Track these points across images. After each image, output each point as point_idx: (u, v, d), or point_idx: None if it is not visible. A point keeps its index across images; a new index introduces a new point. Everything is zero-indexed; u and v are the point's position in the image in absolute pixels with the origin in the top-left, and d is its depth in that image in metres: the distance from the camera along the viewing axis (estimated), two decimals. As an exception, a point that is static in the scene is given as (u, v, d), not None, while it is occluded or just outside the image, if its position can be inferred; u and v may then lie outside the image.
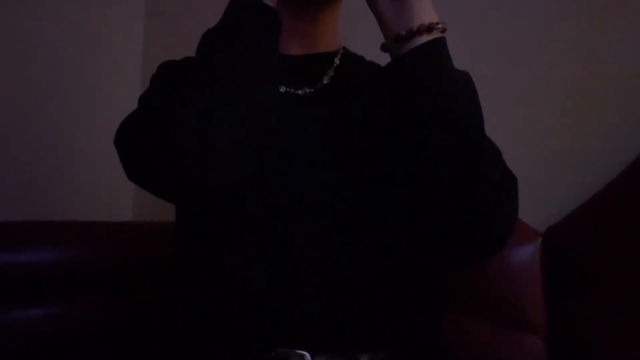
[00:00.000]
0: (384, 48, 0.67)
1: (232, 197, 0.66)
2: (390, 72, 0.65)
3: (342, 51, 0.80)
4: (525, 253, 0.91)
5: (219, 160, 0.61)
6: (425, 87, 0.62)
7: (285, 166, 0.70)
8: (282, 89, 0.75)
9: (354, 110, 0.74)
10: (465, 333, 0.90)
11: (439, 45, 0.63)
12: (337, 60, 0.78)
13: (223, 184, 0.63)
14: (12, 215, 0.99)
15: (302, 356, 0.64)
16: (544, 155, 1.03)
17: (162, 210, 0.72)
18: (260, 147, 0.65)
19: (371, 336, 0.66)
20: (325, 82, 0.76)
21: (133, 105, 0.70)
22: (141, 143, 0.63)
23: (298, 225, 0.68)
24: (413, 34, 0.63)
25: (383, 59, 0.68)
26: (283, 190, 0.69)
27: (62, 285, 0.95)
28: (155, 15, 1.44)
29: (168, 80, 0.71)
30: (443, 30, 0.64)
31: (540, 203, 0.99)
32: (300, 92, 0.75)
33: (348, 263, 0.67)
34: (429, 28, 0.63)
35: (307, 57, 0.77)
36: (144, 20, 1.44)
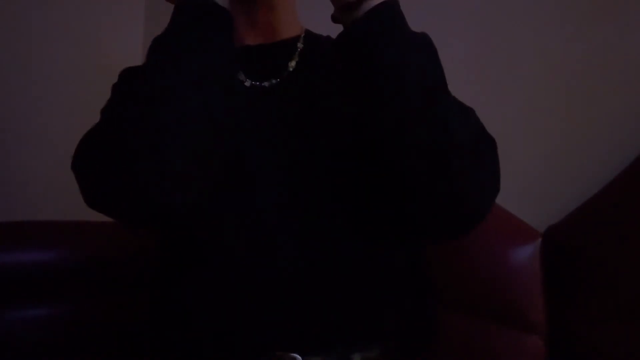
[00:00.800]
0: (334, 19, 0.65)
1: (195, 209, 0.63)
2: (343, 42, 0.63)
3: (304, 34, 0.78)
4: (525, 253, 0.91)
5: (176, 174, 0.58)
6: (380, 51, 0.59)
7: (256, 162, 0.69)
8: (247, 83, 0.73)
9: (324, 94, 0.72)
10: (465, 333, 0.90)
11: (391, 6, 0.61)
12: (300, 45, 0.76)
13: (182, 200, 0.60)
14: (12, 215, 0.99)
15: (294, 359, 0.62)
16: (544, 155, 1.03)
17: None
18: (221, 152, 0.62)
19: (361, 329, 0.65)
20: (290, 69, 0.74)
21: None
22: (94, 164, 0.60)
23: (275, 223, 0.66)
24: None
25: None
26: (256, 188, 0.68)
27: (62, 285, 0.94)
28: (155, 15, 1.44)
29: (124, 90, 0.68)
30: None
31: (540, 203, 0.99)
32: (266, 84, 0.73)
33: (330, 254, 0.66)
34: None
35: (269, 46, 0.75)
36: (144, 20, 1.44)
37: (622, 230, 0.86)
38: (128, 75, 0.73)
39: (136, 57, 1.40)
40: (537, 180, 1.00)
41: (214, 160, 0.62)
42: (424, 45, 0.63)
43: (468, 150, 0.59)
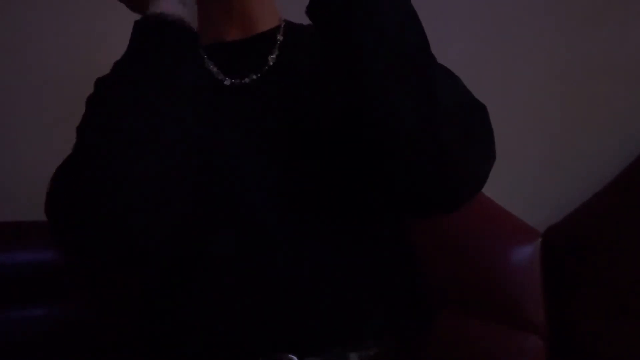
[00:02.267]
0: None
1: (181, 228, 0.61)
2: (314, 9, 0.60)
3: (283, 25, 0.76)
4: (525, 253, 0.91)
5: (156, 195, 0.57)
6: (352, 13, 0.56)
7: (243, 162, 0.67)
8: (227, 82, 0.71)
9: (306, 85, 0.70)
10: (465, 333, 0.90)
11: None
12: (279, 37, 0.74)
13: (166, 222, 0.58)
14: (12, 215, 0.99)
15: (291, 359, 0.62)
16: (544, 155, 1.03)
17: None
18: (199, 166, 0.61)
19: (356, 328, 0.64)
20: (271, 63, 0.72)
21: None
22: (68, 198, 0.59)
23: (267, 222, 0.65)
24: None
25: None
26: (246, 188, 0.66)
27: (62, 285, 0.94)
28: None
29: (97, 111, 0.67)
30: None
31: (540, 203, 0.99)
32: (246, 80, 0.71)
33: (324, 252, 0.65)
34: None
35: (247, 41, 0.73)
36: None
37: (622, 230, 0.86)
38: (103, 86, 0.72)
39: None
40: (537, 180, 1.00)
41: (192, 177, 0.61)
42: (401, 5, 0.60)
43: (458, 117, 0.57)
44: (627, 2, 0.99)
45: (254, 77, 0.72)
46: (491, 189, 0.67)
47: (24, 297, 0.92)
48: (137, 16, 0.67)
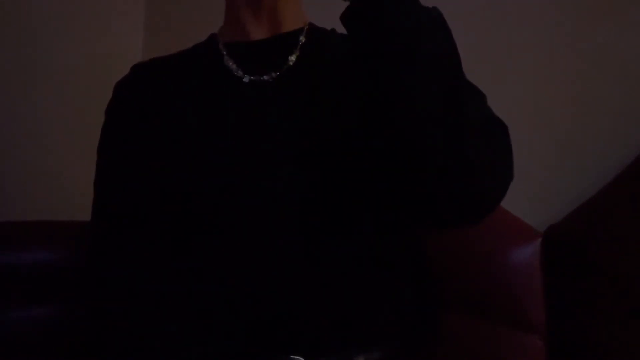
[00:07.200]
0: None
1: None
2: (351, 18, 0.60)
3: (307, 27, 0.76)
4: (525, 253, 0.91)
5: None
6: (392, 26, 0.57)
7: (256, 158, 0.68)
8: (246, 79, 0.72)
9: (325, 87, 0.71)
10: (465, 333, 0.90)
11: None
12: (302, 38, 0.75)
13: None
14: (12, 215, 0.99)
15: None
16: (544, 155, 1.03)
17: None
18: None
19: (363, 331, 0.65)
20: (290, 63, 0.73)
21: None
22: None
23: (279, 221, 0.65)
24: None
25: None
26: (256, 187, 0.67)
27: (62, 285, 0.94)
28: (156, 15, 1.44)
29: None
30: None
31: (540, 203, 0.99)
32: (265, 77, 0.72)
33: (334, 255, 0.65)
34: None
35: (271, 40, 0.74)
36: (144, 20, 1.44)
37: (622, 229, 0.86)
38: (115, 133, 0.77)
39: (136, 57, 1.40)
40: (538, 180, 1.00)
41: None
42: (438, 20, 0.61)
43: (482, 131, 0.57)
44: (627, 2, 0.99)
45: (273, 75, 0.72)
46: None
47: (24, 297, 0.92)
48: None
